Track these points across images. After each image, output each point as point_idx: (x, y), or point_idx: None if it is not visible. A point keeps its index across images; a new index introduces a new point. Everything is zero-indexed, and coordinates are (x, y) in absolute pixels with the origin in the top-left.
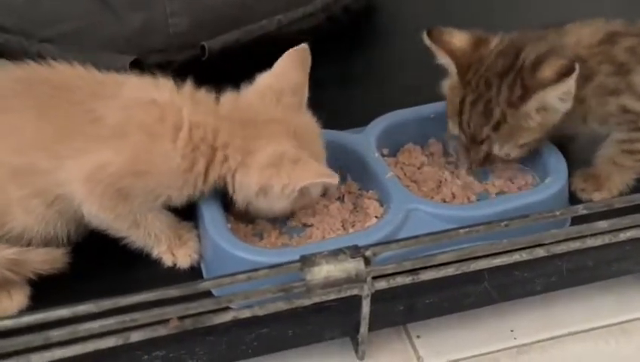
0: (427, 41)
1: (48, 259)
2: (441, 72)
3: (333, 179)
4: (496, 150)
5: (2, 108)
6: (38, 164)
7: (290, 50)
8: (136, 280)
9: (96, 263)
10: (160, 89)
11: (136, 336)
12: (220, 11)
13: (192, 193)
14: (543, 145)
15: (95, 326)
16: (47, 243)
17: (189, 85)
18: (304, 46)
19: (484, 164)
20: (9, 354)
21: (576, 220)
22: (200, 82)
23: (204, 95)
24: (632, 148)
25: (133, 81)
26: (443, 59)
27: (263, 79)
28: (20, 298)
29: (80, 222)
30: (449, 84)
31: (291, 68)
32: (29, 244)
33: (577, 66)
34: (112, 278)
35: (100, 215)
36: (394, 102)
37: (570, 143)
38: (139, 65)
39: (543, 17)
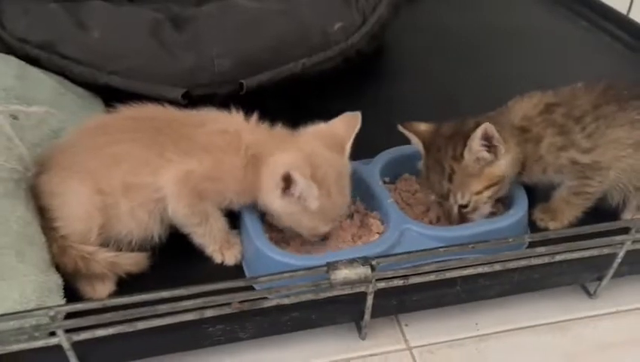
0: (401, 129)
1: (136, 262)
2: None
3: (296, 173)
4: (460, 199)
5: (117, 140)
6: (145, 180)
7: (345, 113)
8: (194, 272)
9: (164, 259)
10: (231, 120)
11: (208, 313)
12: (256, 56)
13: (247, 199)
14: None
15: (189, 303)
16: (140, 243)
17: (253, 118)
18: (357, 113)
19: (462, 220)
20: (120, 322)
21: (531, 244)
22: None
23: (263, 125)
24: (580, 190)
25: (213, 114)
26: (413, 140)
27: (314, 126)
28: (110, 284)
29: (167, 226)
30: (422, 163)
31: (339, 124)
32: (129, 244)
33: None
34: (175, 270)
35: (184, 210)
36: (399, 137)
37: (533, 185)
38: (188, 97)
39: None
